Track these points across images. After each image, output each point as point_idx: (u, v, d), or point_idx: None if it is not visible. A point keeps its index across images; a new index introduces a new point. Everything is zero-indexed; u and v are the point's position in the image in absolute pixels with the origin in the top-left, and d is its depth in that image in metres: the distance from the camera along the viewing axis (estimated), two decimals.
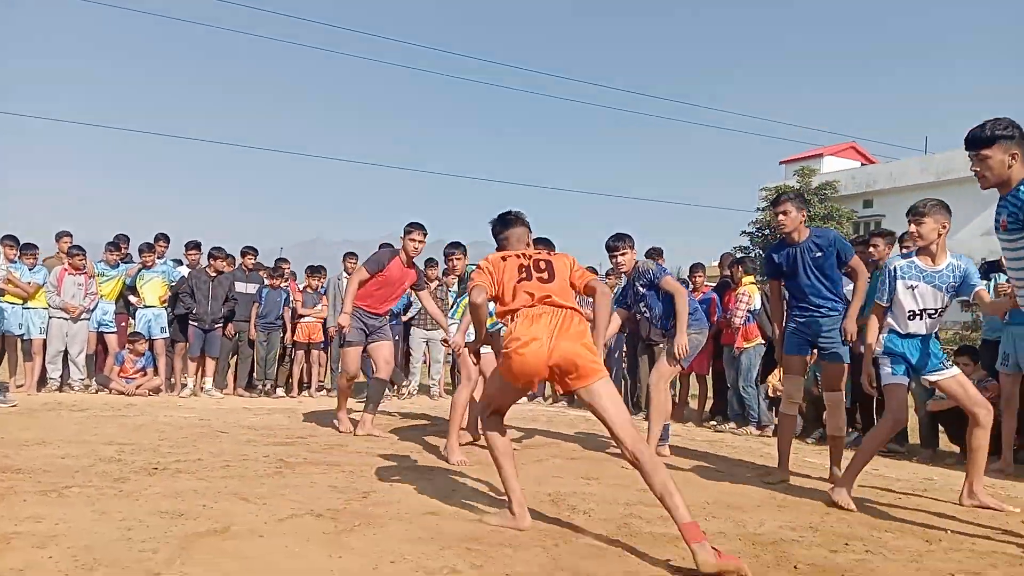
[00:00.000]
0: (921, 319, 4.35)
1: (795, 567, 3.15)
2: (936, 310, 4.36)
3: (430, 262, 10.60)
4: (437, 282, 9.89)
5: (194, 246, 9.79)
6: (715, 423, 8.01)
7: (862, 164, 38.10)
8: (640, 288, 5.80)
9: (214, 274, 9.19)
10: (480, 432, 4.44)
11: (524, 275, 3.60)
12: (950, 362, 4.60)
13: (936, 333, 4.58)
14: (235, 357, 9.71)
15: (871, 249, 6.63)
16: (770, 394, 7.63)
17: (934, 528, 3.89)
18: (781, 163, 38.85)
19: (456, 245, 6.59)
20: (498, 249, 3.96)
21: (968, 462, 4.46)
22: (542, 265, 3.65)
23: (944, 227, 4.26)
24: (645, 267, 5.80)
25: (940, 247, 4.31)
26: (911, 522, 4.01)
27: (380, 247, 9.21)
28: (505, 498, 3.67)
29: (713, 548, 2.92)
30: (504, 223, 4.02)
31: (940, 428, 6.38)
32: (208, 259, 9.40)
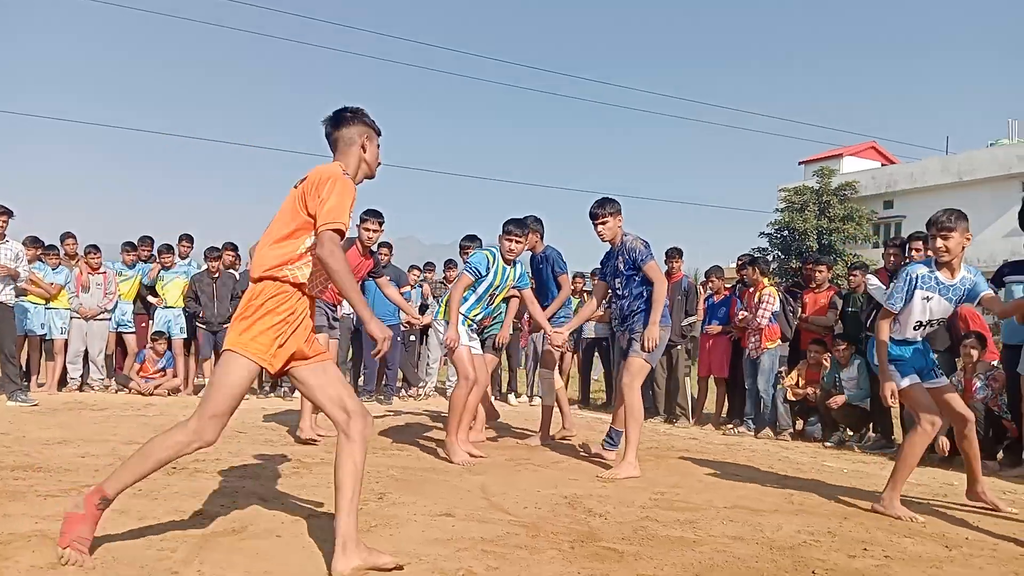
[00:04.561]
0: (923, 329, 4.30)
1: (813, 572, 3.12)
2: (940, 321, 4.32)
3: (449, 263, 10.63)
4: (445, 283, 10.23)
5: (222, 250, 9.61)
6: (732, 426, 7.96)
7: (882, 164, 37.79)
8: (620, 264, 5.40)
9: (216, 275, 9.10)
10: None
11: None
12: (940, 371, 4.55)
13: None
14: None
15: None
16: (789, 396, 7.59)
17: (954, 534, 3.85)
18: (800, 163, 38.61)
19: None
20: None
21: (967, 468, 4.52)
22: None
23: (968, 239, 4.13)
24: (633, 244, 5.33)
25: (960, 260, 4.19)
26: (931, 527, 3.97)
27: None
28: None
29: None
30: None
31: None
32: (204, 260, 9.28)
